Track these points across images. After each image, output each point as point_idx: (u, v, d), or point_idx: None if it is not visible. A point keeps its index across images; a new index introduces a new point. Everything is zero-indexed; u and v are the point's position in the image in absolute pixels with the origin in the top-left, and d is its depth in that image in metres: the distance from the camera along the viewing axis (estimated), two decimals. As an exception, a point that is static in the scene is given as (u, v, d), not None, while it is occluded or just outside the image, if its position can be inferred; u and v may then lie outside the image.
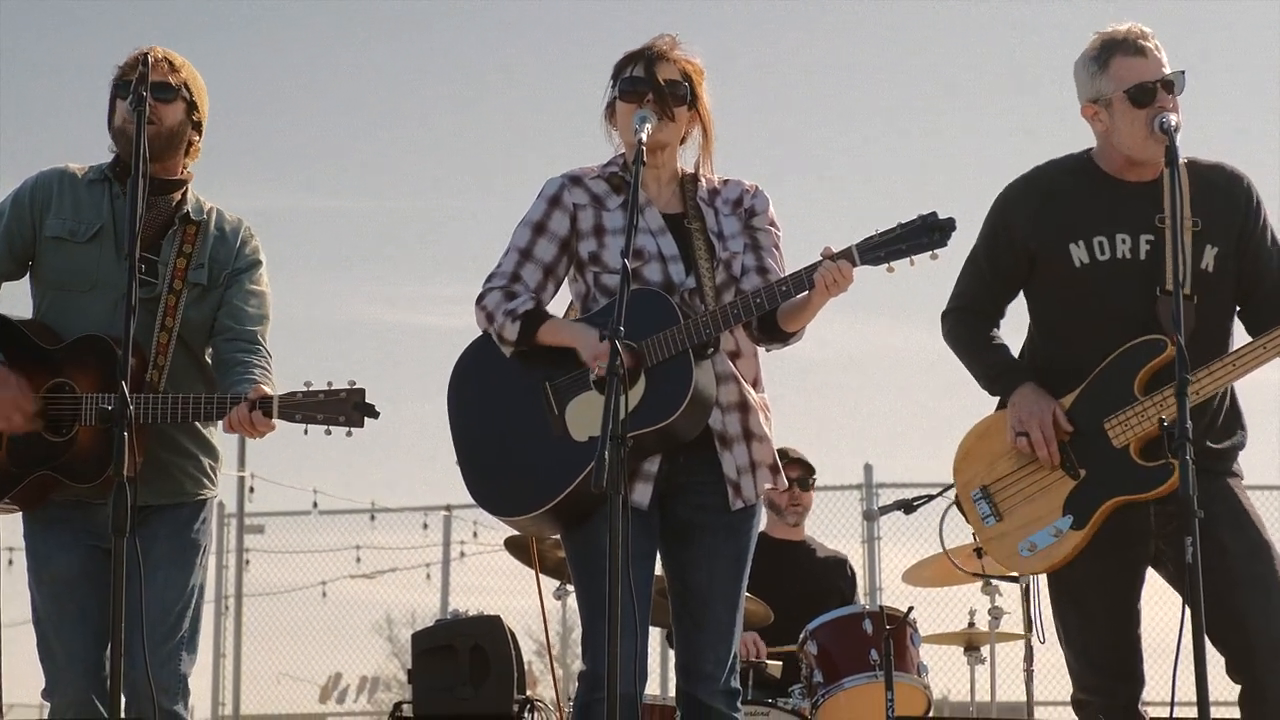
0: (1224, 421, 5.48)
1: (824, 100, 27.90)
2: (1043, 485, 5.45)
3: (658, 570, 5.44)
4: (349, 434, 5.48)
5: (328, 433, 5.47)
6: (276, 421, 5.43)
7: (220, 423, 5.47)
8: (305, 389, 5.47)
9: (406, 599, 20.50)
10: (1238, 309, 5.53)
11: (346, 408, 5.47)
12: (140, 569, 5.02)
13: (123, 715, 4.79)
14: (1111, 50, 5.39)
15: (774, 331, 5.30)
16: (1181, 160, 5.42)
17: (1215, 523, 5.19)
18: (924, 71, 27.53)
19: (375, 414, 5.50)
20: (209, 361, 5.76)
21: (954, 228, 5.05)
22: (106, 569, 5.46)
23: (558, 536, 5.59)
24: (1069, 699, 5.64)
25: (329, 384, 5.49)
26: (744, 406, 5.33)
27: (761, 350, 5.43)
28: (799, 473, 8.94)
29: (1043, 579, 5.66)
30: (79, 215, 5.62)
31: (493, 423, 5.39)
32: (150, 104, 5.29)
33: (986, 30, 27.73)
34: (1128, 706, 5.49)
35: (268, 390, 5.45)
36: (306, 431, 5.48)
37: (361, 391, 5.48)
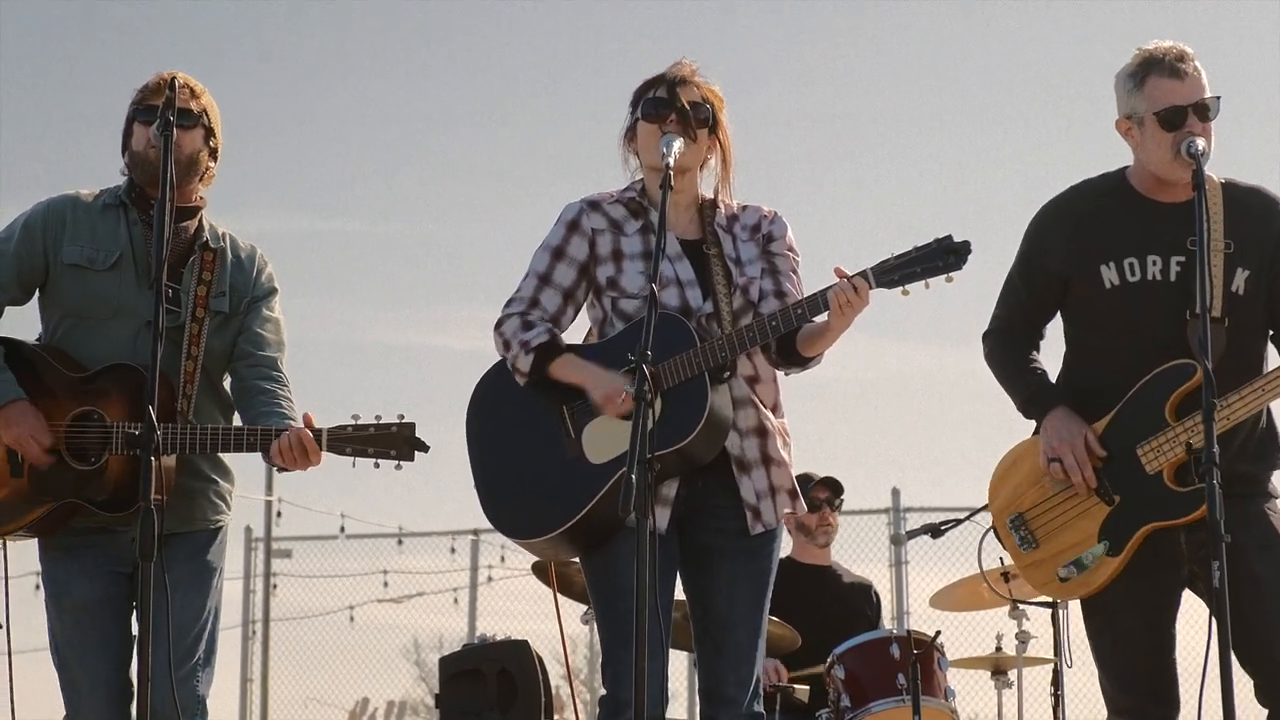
0: (1259, 443, 5.45)
1: (842, 124, 27.91)
2: (1078, 512, 5.44)
3: (679, 595, 5.44)
4: (398, 467, 5.50)
5: (376, 466, 5.49)
6: (324, 454, 5.44)
7: (270, 454, 5.43)
8: (354, 422, 5.48)
9: (434, 623, 20.52)
10: (1271, 331, 5.51)
11: (398, 441, 5.48)
12: (166, 593, 5.04)
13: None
14: (1148, 69, 5.37)
15: (792, 356, 5.30)
16: (1219, 180, 5.43)
17: (1246, 549, 5.17)
18: (942, 94, 27.54)
19: (426, 448, 5.52)
20: (226, 389, 5.78)
21: (969, 251, 5.06)
22: (126, 594, 5.51)
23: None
24: (1100, 723, 5.61)
25: (377, 417, 5.50)
26: (762, 431, 5.33)
27: (781, 374, 5.44)
28: (827, 493, 8.91)
29: (1075, 602, 5.64)
30: (97, 242, 5.60)
31: (510, 446, 5.40)
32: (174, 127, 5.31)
33: (1007, 51, 27.72)
34: (1160, 727, 5.47)
35: (313, 420, 5.45)
36: (355, 464, 5.50)
37: (412, 426, 5.49)
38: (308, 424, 5.44)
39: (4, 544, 5.65)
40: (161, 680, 5.17)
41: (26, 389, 5.50)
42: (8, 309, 5.69)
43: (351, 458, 5.48)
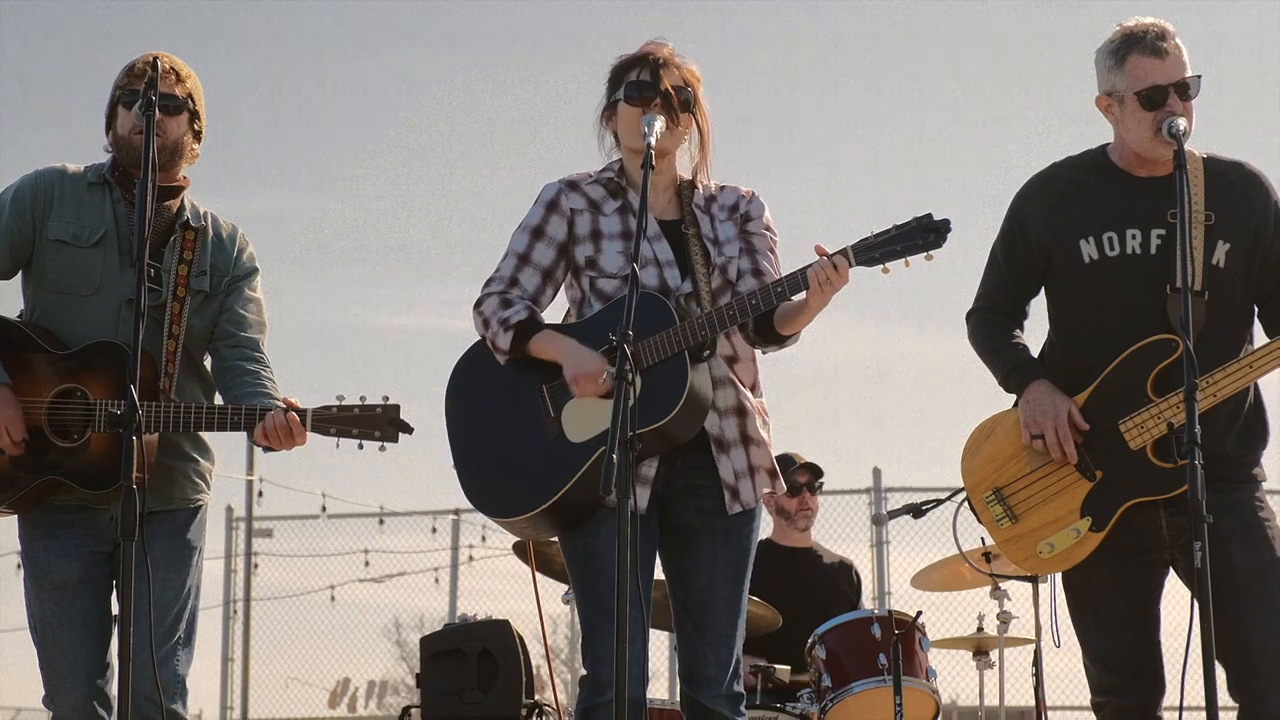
0: (1246, 423, 5.44)
1: (822, 101, 27.92)
2: (1059, 487, 5.42)
3: (658, 574, 5.44)
4: (382, 449, 5.51)
5: (360, 447, 5.49)
6: (309, 434, 5.45)
7: (255, 432, 5.43)
8: (339, 403, 5.49)
9: (415, 603, 20.56)
10: (1257, 309, 5.50)
11: (382, 423, 5.49)
12: (148, 573, 5.04)
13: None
14: (1130, 46, 5.36)
15: (769, 334, 5.30)
16: (1201, 155, 5.43)
17: (1227, 538, 5.17)
18: (925, 72, 27.55)
19: (410, 430, 5.53)
20: (207, 368, 5.77)
21: (949, 229, 5.06)
22: (106, 574, 5.51)
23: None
24: (1079, 704, 5.62)
25: (362, 398, 5.51)
26: (741, 411, 5.33)
27: (760, 354, 5.44)
28: (807, 477, 8.93)
29: (1059, 584, 5.63)
30: (81, 219, 5.61)
31: (489, 424, 5.40)
32: (155, 108, 5.31)
33: (988, 32, 27.72)
34: (1143, 707, 5.43)
35: (297, 403, 5.46)
36: (339, 445, 5.50)
37: (396, 407, 5.50)
38: (290, 406, 5.44)
39: None
40: (143, 660, 5.17)
41: (9, 365, 5.50)
42: None
43: (335, 438, 5.49)
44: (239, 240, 5.81)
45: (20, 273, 5.70)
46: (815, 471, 8.98)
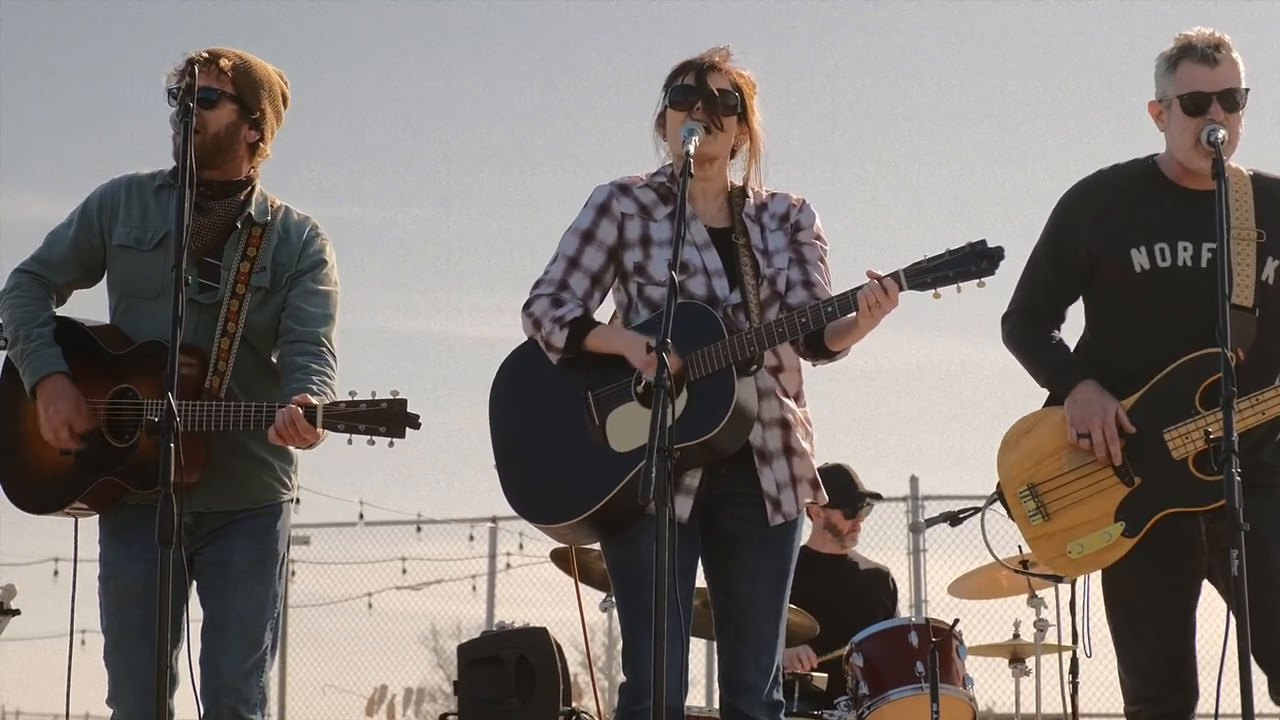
0: (1280, 437, 5.45)
1: (875, 121, 27.87)
2: (1095, 489, 5.41)
3: (700, 582, 5.44)
4: (391, 444, 5.40)
5: (370, 443, 5.38)
6: (323, 431, 5.34)
7: (268, 436, 5.35)
8: (349, 398, 5.39)
9: (452, 610, 20.53)
10: None
11: (388, 418, 5.38)
12: (186, 574, 5.06)
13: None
14: (1183, 54, 5.38)
15: (819, 349, 5.31)
16: (1247, 172, 5.44)
17: (1266, 544, 5.18)
18: (976, 95, 27.51)
19: (417, 424, 5.42)
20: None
21: (1002, 256, 5.05)
22: (179, 582, 5.46)
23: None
24: (1115, 711, 5.60)
25: (373, 393, 5.45)
26: (784, 423, 5.33)
27: (806, 364, 5.44)
28: (867, 504, 9.00)
29: (1097, 591, 5.62)
30: (145, 222, 5.61)
31: (533, 430, 5.41)
32: (194, 111, 5.29)
33: (1037, 55, 27.68)
34: (1177, 715, 5.44)
35: (313, 399, 5.34)
36: (350, 441, 5.40)
37: (403, 402, 5.38)
38: (303, 403, 5.33)
39: (75, 523, 5.72)
40: (222, 667, 5.43)
41: (74, 367, 5.54)
42: (77, 292, 5.77)
43: (346, 434, 5.38)
44: (308, 232, 5.72)
45: (105, 279, 5.74)
46: (877, 499, 9.09)
